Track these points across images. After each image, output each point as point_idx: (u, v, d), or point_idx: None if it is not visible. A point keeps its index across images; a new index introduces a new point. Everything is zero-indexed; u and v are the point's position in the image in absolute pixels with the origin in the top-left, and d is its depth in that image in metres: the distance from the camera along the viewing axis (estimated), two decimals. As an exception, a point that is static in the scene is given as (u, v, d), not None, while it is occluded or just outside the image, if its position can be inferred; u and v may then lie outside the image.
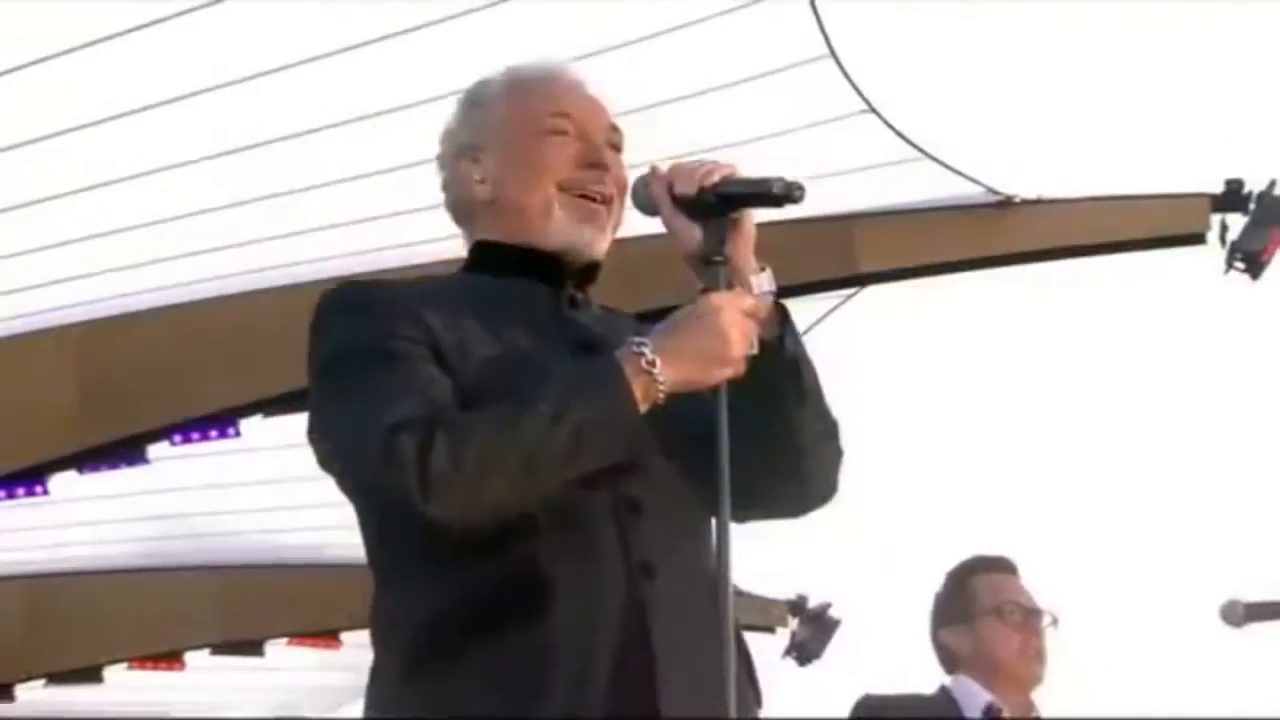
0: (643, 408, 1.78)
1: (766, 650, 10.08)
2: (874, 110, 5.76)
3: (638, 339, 1.80)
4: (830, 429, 2.03)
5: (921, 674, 3.96)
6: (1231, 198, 6.04)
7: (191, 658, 10.59)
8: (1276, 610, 3.15)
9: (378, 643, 1.88)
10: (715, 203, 1.88)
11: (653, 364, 1.77)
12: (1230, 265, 6.02)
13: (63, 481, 7.72)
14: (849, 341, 7.08)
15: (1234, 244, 6.01)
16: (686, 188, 1.89)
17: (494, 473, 1.73)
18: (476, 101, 2.16)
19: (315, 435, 1.89)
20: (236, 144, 5.67)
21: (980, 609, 3.71)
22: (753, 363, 1.83)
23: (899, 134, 5.91)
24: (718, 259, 1.87)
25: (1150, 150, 5.87)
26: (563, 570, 1.78)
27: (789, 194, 1.86)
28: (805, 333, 6.97)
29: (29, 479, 7.78)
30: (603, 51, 5.24)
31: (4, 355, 7.18)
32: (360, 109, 5.36)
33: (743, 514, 1.93)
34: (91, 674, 10.59)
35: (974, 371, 7.45)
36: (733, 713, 1.64)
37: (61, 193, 5.92)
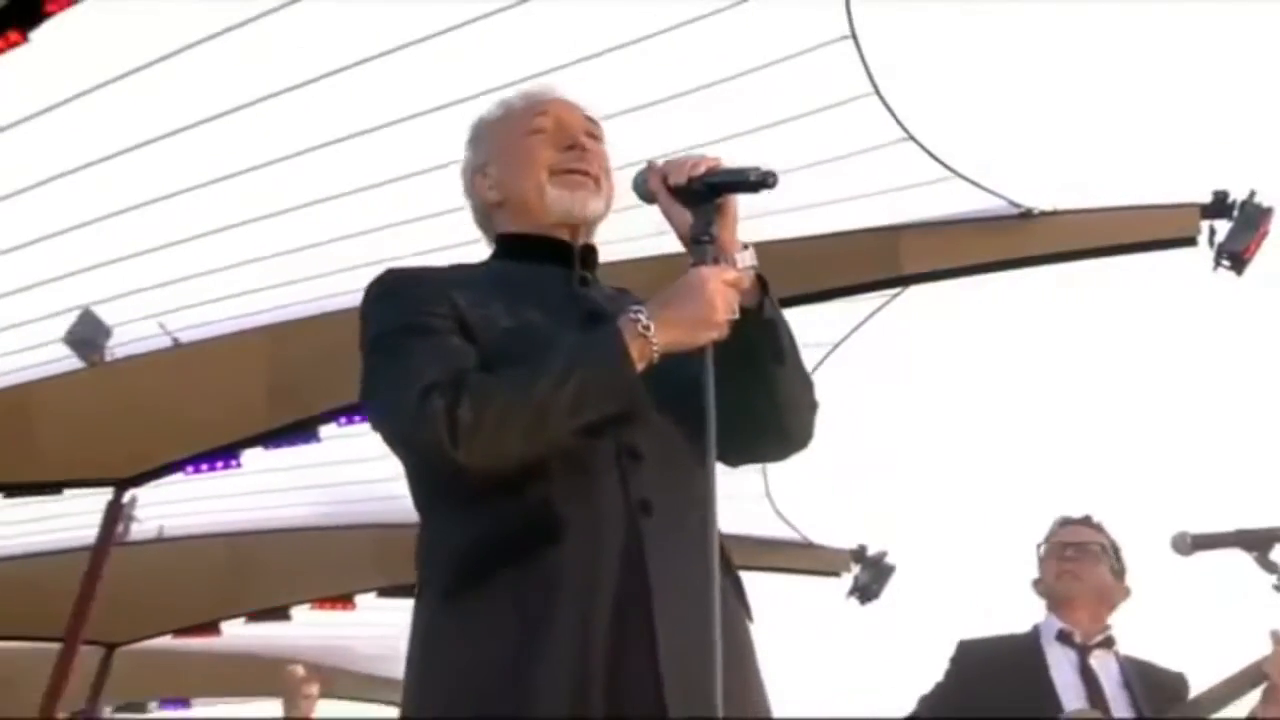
0: (639, 366, 1.76)
1: (832, 591, 10.08)
2: (913, 138, 5.72)
3: (635, 307, 1.78)
4: (806, 384, 1.99)
5: (962, 609, 3.93)
6: (1218, 206, 5.92)
7: (360, 599, 10.70)
8: (1215, 540, 3.12)
9: (421, 570, 1.85)
10: (702, 190, 1.85)
11: (647, 328, 1.75)
12: (1218, 264, 5.90)
13: (253, 456, 7.83)
14: (895, 332, 7.06)
15: (1220, 245, 5.89)
16: (678, 178, 1.86)
17: (512, 425, 1.71)
18: (478, 133, 2.16)
19: (366, 402, 1.88)
20: (403, 170, 5.70)
21: (1040, 559, 3.68)
22: (735, 326, 1.80)
23: (934, 158, 5.86)
24: (706, 239, 1.84)
25: (1147, 166, 5.79)
26: (571, 509, 1.75)
27: (764, 181, 1.83)
28: (858, 327, 6.94)
29: (226, 454, 7.92)
30: (688, 92, 5.27)
31: (207, 355, 7.29)
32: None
33: (733, 458, 1.92)
34: (281, 612, 10.74)
35: (999, 355, 7.38)
36: (717, 621, 1.58)
37: (257, 217, 6.01)
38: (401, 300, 1.91)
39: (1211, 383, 7.46)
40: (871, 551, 10.10)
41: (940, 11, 5.06)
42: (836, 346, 7.35)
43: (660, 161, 1.92)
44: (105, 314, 6.94)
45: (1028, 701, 3.40)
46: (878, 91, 5.43)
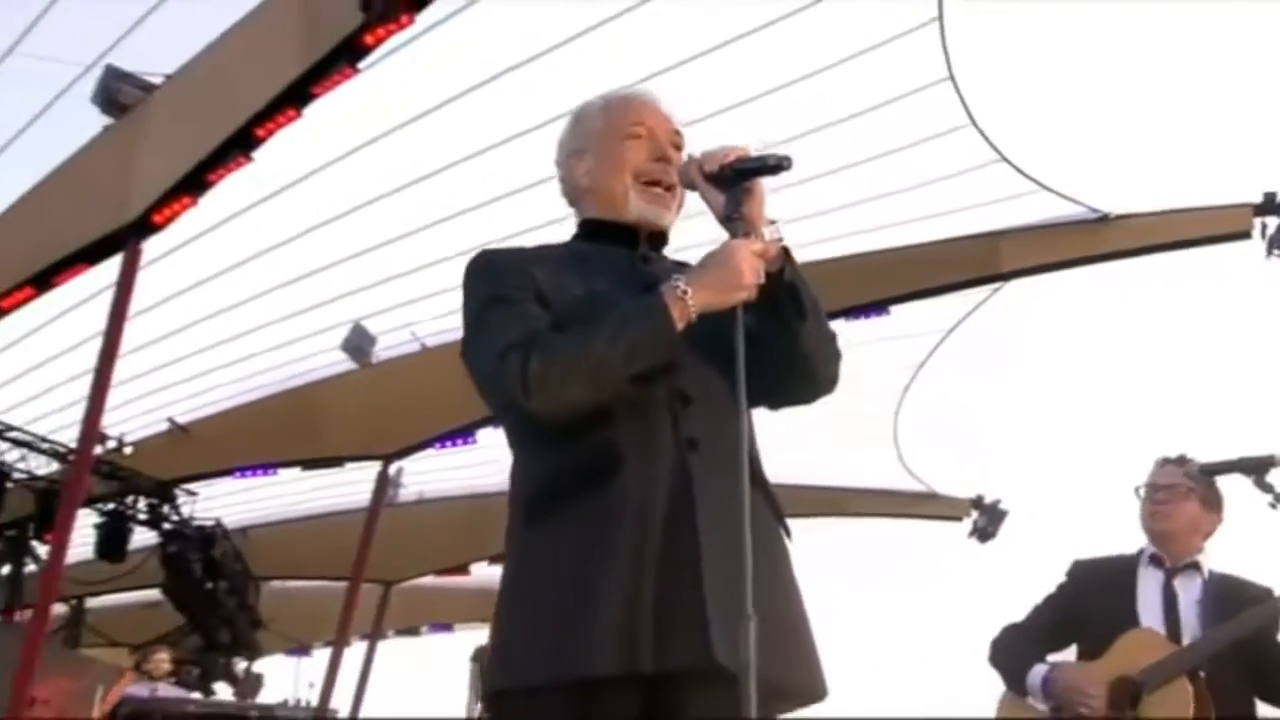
0: (680, 325, 1.72)
1: (955, 534, 9.97)
2: (1006, 160, 5.64)
3: (677, 275, 1.75)
4: (828, 337, 1.89)
5: (1064, 544, 3.75)
6: (1268, 205, 5.70)
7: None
8: (1220, 467, 2.95)
9: (510, 499, 1.83)
10: (732, 176, 1.79)
11: (685, 292, 1.71)
12: (1270, 253, 5.69)
13: (486, 434, 7.97)
14: (998, 319, 6.92)
15: (1272, 238, 5.67)
16: (712, 167, 1.80)
17: (573, 378, 1.70)
18: (581, 117, 2.06)
19: (463, 360, 1.85)
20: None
21: (1141, 500, 3.49)
22: (762, 289, 1.74)
23: (1024, 174, 5.76)
24: (736, 216, 1.78)
25: (1205, 173, 5.58)
26: (630, 447, 1.72)
27: (780, 165, 1.76)
28: (968, 315, 6.71)
29: (466, 433, 8.08)
30: (820, 129, 5.21)
31: (448, 355, 7.37)
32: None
33: (771, 401, 1.88)
34: (513, 557, 10.89)
35: (1086, 335, 7.23)
36: (748, 536, 1.56)
37: (482, 245, 6.06)
38: (490, 275, 1.88)
39: (1263, 349, 7.12)
40: (988, 499, 9.95)
41: (1026, 51, 4.97)
42: (950, 332, 7.30)
43: (698, 154, 1.87)
44: (371, 325, 7.15)
45: (1112, 613, 3.24)
46: (974, 123, 5.38)
